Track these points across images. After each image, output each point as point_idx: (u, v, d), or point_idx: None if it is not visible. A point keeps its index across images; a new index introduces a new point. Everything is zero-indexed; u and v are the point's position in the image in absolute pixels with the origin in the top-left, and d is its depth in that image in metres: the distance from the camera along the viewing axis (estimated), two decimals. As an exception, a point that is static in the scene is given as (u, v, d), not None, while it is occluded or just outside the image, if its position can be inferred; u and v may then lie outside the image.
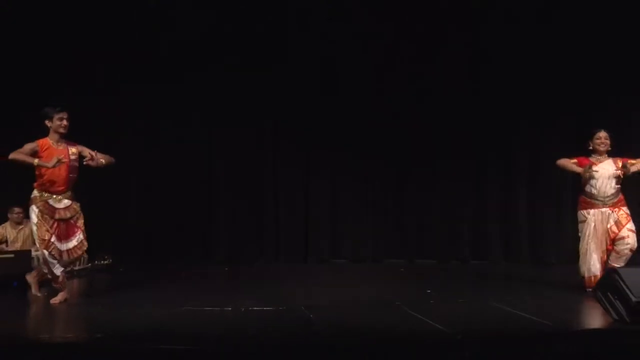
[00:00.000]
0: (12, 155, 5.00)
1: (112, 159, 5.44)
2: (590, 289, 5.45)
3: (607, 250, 5.61)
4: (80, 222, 5.30)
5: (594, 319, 4.45)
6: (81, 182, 8.47)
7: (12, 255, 5.94)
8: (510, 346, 3.95)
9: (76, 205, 5.33)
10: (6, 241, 6.97)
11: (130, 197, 8.38)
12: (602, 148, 5.64)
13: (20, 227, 7.05)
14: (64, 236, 5.18)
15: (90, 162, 5.19)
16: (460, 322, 4.47)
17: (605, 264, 5.56)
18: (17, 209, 6.99)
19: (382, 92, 8.46)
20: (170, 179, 8.24)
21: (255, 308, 4.86)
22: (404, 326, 4.32)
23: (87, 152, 5.25)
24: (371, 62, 8.47)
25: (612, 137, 5.65)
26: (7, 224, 7.05)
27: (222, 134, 8.55)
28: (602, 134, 5.65)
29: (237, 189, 8.57)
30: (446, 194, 8.58)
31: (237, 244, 8.47)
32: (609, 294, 4.25)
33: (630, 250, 5.51)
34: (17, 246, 6.87)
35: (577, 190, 7.94)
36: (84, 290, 6.48)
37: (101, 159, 5.26)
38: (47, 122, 5.16)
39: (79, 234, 5.27)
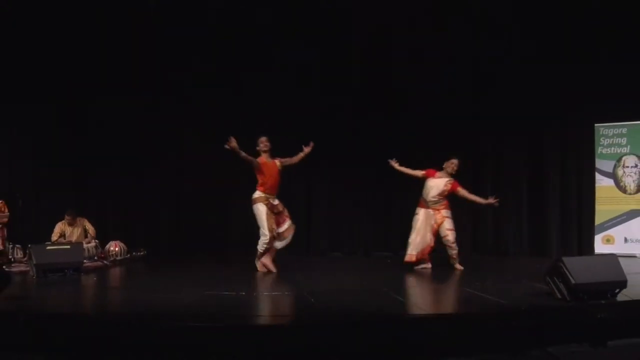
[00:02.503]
0: (243, 155, 5.92)
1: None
2: (410, 262, 6.43)
3: (430, 238, 6.46)
4: (286, 212, 6.27)
5: (543, 298, 4.53)
6: (120, 193, 8.40)
7: (68, 247, 6.09)
8: (475, 321, 4.11)
9: (281, 204, 6.23)
10: (64, 235, 7.15)
11: (162, 201, 8.42)
12: (448, 170, 6.53)
13: (74, 225, 7.23)
14: (277, 224, 6.19)
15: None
16: (435, 302, 4.59)
17: (431, 248, 6.48)
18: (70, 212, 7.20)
19: (378, 108, 8.26)
20: (194, 186, 8.22)
21: (265, 293, 4.97)
22: (388, 306, 4.42)
23: (287, 161, 6.30)
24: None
25: (459, 164, 6.55)
26: (65, 221, 7.20)
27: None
28: (452, 159, 6.52)
29: (249, 193, 8.57)
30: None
31: (250, 240, 8.34)
32: (555, 278, 4.38)
33: (452, 243, 6.44)
34: (73, 239, 7.03)
35: (531, 193, 8.07)
36: (125, 276, 6.59)
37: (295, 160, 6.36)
38: (257, 148, 6.17)
39: (288, 221, 6.26)
